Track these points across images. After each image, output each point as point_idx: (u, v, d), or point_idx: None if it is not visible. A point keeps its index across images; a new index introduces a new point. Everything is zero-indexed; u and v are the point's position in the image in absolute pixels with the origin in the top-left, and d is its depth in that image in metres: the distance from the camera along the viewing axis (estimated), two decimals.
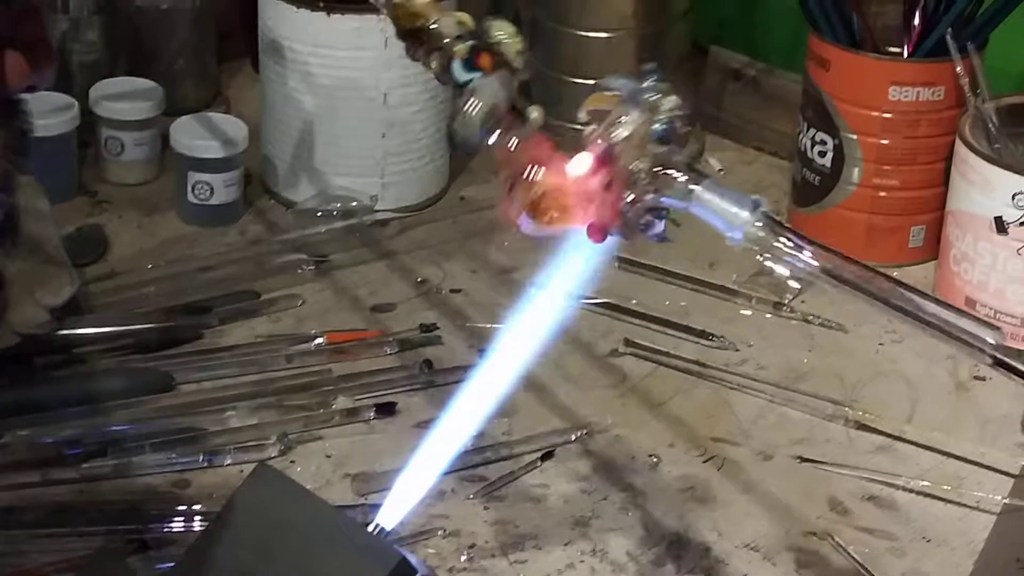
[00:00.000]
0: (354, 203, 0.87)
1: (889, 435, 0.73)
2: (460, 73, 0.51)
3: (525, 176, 0.48)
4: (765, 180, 0.95)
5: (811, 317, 0.82)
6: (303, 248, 0.84)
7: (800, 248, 0.44)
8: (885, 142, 0.85)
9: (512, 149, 0.49)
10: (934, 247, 0.85)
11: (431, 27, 0.53)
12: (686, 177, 0.47)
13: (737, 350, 0.79)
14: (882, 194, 0.86)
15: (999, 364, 0.41)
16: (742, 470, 0.71)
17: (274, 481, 0.51)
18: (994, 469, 0.71)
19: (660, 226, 0.48)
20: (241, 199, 0.88)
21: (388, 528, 0.50)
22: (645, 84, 0.48)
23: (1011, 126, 0.82)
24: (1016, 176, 0.78)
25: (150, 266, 0.82)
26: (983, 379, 0.77)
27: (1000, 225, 0.79)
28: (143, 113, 0.90)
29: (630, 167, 0.47)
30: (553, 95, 0.96)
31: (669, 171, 0.47)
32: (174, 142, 0.87)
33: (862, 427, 0.74)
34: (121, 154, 0.91)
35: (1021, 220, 0.78)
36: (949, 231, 0.82)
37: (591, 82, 0.93)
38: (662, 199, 0.47)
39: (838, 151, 0.86)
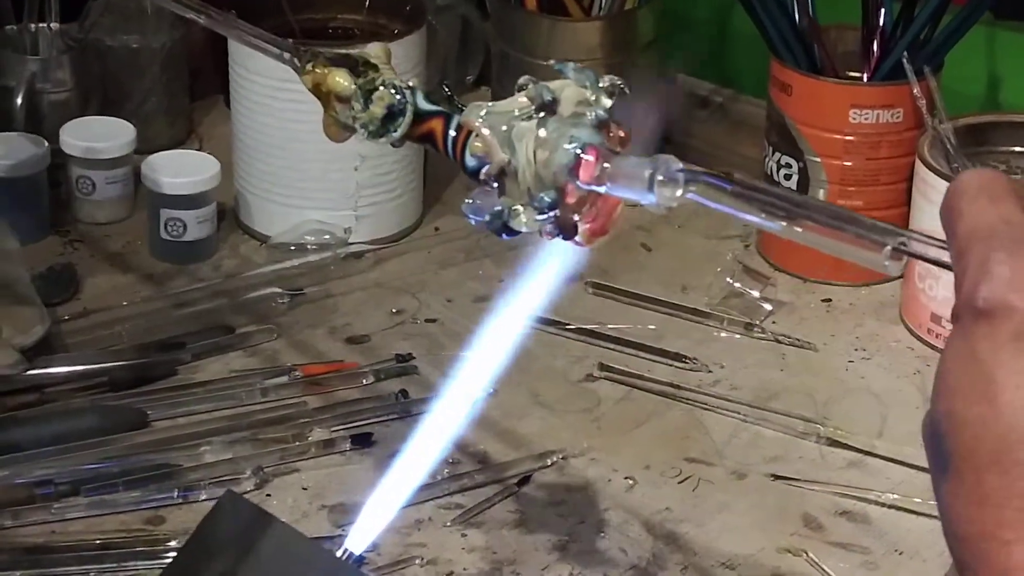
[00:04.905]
0: (328, 236, 0.88)
1: (860, 450, 0.74)
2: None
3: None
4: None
5: (782, 337, 0.83)
6: (277, 282, 0.85)
7: (719, 181, 0.45)
8: (848, 164, 0.86)
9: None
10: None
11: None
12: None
13: (710, 371, 0.80)
14: None
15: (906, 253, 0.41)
16: (717, 489, 0.72)
17: (241, 509, 0.52)
18: None
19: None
20: (214, 235, 0.89)
21: (357, 553, 0.50)
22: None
23: (969, 146, 0.84)
24: None
25: (124, 303, 0.82)
26: None
27: None
28: (114, 152, 0.90)
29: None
30: None
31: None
32: (145, 179, 0.88)
33: (834, 443, 0.74)
34: (92, 193, 0.91)
35: None
36: None
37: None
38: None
39: (803, 174, 0.87)
